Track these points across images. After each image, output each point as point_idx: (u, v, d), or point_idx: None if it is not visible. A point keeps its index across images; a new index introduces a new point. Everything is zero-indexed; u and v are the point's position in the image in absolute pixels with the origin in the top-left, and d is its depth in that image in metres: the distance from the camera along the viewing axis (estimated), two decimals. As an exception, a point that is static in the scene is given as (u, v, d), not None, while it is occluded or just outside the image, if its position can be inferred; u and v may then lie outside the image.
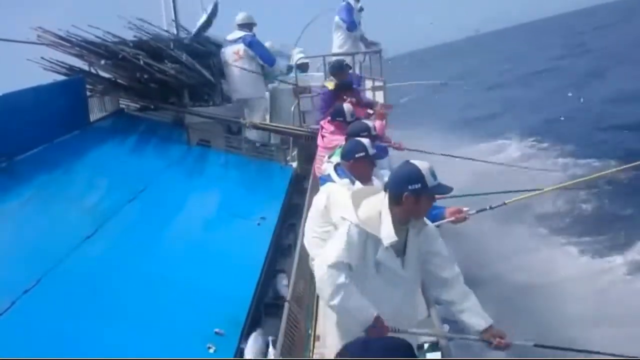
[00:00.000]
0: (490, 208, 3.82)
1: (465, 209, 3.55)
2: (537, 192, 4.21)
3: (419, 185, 2.42)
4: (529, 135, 13.48)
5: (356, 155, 3.32)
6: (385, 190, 2.55)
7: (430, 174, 2.46)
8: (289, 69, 8.08)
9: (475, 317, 2.56)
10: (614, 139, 11.65)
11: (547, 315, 5.79)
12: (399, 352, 1.48)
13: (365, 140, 3.41)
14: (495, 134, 14.15)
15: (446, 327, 3.13)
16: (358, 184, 3.20)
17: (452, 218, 3.52)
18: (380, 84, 8.03)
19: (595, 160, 10.35)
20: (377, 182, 3.44)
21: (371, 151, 3.36)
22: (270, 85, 8.16)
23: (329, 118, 5.06)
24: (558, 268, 7.04)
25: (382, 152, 4.91)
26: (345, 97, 5.60)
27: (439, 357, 2.98)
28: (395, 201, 2.48)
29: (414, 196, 2.43)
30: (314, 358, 3.24)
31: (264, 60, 7.29)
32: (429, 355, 3.09)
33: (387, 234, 2.43)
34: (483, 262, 6.96)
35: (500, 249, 7.45)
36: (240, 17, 7.36)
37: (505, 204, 3.89)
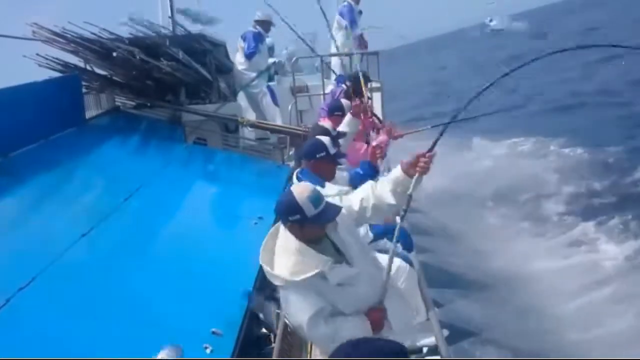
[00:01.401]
0: None
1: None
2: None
3: (298, 216, 2.32)
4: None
5: (317, 156, 3.23)
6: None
7: (311, 202, 2.31)
8: (272, 67, 8.20)
9: (389, 177, 2.59)
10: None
11: (539, 312, 5.75)
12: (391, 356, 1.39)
13: (325, 139, 3.31)
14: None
15: (445, 331, 3.10)
16: (329, 185, 3.11)
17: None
18: (378, 85, 8.00)
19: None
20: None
21: (332, 150, 3.27)
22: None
23: (327, 115, 4.95)
24: (551, 260, 7.02)
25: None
26: (353, 93, 5.02)
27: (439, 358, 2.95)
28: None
29: (297, 225, 2.35)
30: (313, 358, 3.21)
31: (244, 51, 7.78)
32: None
33: (320, 262, 2.32)
34: (476, 260, 6.94)
35: (490, 246, 7.43)
36: (257, 14, 7.88)
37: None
